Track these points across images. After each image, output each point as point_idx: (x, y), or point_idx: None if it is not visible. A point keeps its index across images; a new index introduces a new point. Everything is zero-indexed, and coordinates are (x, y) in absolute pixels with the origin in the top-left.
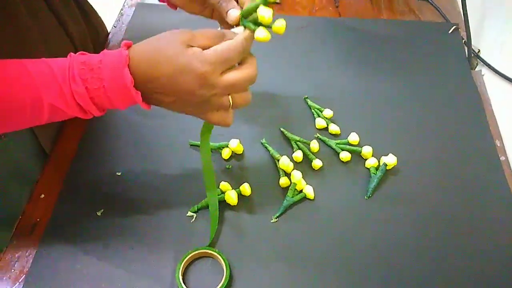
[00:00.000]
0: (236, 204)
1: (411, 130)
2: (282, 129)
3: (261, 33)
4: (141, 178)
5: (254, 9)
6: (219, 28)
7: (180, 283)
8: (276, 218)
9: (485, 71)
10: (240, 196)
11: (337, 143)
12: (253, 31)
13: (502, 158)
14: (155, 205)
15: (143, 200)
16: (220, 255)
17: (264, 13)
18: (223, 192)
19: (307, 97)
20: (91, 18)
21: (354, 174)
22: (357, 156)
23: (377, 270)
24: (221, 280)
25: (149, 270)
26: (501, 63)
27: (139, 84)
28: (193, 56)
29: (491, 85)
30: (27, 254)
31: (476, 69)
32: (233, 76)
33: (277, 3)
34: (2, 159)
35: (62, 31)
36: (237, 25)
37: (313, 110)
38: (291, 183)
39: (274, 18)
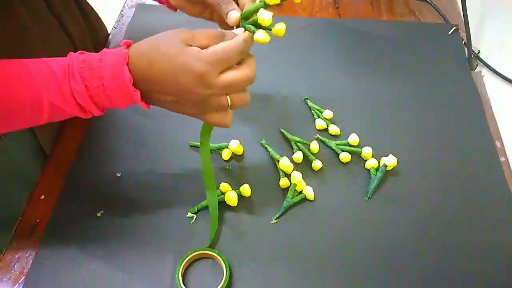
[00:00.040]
0: (236, 205)
1: (411, 131)
2: (282, 130)
3: (260, 36)
4: (141, 179)
5: (254, 11)
6: (219, 29)
7: (180, 284)
8: (276, 219)
9: (485, 72)
10: (240, 197)
11: (337, 144)
12: (253, 33)
13: (502, 159)
14: (155, 206)
15: (143, 201)
16: (220, 256)
17: (264, 15)
18: (223, 193)
19: (307, 98)
20: (91, 19)
21: (354, 175)
22: (357, 157)
23: (377, 271)
24: (221, 281)
25: (149, 271)
26: (501, 64)
27: (138, 83)
28: (192, 55)
29: (491, 86)
30: (27, 255)
31: (476, 70)
32: (231, 76)
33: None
34: (1, 160)
35: (62, 32)
36: (237, 26)
37: (313, 111)
38: (291, 184)
39: (274, 19)
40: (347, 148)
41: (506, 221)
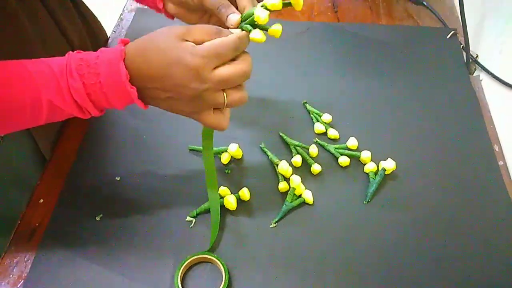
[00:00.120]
0: (235, 209)
1: (410, 135)
2: (281, 133)
3: (256, 35)
4: (140, 183)
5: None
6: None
7: None
8: (275, 223)
9: (483, 76)
10: (239, 200)
11: (336, 148)
12: (249, 32)
13: (501, 162)
14: (154, 209)
15: (142, 204)
16: (219, 260)
17: (260, 13)
18: (222, 197)
19: (306, 102)
20: (91, 22)
21: (353, 179)
22: (356, 160)
23: (377, 274)
24: (220, 285)
25: (148, 275)
26: (499, 68)
27: (134, 80)
28: (187, 49)
29: (489, 90)
30: (25, 259)
31: (474, 74)
32: (226, 70)
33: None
34: (0, 163)
35: (62, 37)
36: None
37: (312, 115)
38: (290, 187)
39: (273, 23)
40: (346, 152)
41: (504, 224)
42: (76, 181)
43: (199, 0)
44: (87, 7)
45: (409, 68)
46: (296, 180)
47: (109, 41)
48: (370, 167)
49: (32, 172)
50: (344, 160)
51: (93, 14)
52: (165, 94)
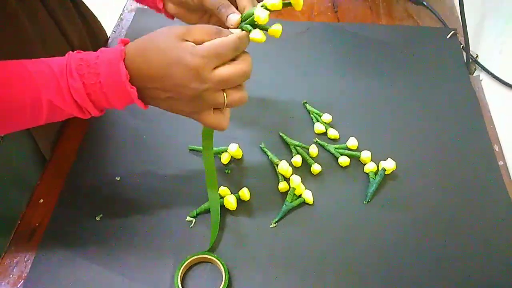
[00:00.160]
0: (235, 209)
1: (410, 135)
2: (281, 133)
3: (256, 35)
4: (140, 183)
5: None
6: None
7: None
8: (275, 223)
9: (483, 76)
10: (239, 200)
11: (336, 148)
12: (249, 32)
13: (501, 162)
14: (154, 210)
15: (142, 204)
16: (219, 260)
17: (260, 13)
18: (222, 197)
19: (306, 102)
20: (91, 22)
21: (353, 179)
22: (356, 160)
23: (377, 274)
24: (220, 285)
25: (148, 275)
26: (499, 68)
27: (134, 80)
28: (186, 49)
29: (489, 90)
30: (25, 259)
31: (474, 74)
32: (226, 70)
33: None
34: (0, 163)
35: (62, 37)
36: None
37: (312, 115)
38: (290, 187)
39: (273, 23)
40: (346, 152)
41: (504, 224)
42: (76, 181)
43: (199, 0)
44: (87, 7)
45: (409, 68)
46: (296, 180)
47: (109, 41)
48: (370, 167)
49: (32, 172)
50: (344, 160)
51: (93, 14)
52: (165, 94)
